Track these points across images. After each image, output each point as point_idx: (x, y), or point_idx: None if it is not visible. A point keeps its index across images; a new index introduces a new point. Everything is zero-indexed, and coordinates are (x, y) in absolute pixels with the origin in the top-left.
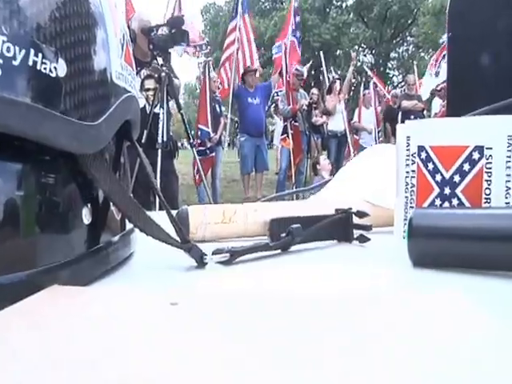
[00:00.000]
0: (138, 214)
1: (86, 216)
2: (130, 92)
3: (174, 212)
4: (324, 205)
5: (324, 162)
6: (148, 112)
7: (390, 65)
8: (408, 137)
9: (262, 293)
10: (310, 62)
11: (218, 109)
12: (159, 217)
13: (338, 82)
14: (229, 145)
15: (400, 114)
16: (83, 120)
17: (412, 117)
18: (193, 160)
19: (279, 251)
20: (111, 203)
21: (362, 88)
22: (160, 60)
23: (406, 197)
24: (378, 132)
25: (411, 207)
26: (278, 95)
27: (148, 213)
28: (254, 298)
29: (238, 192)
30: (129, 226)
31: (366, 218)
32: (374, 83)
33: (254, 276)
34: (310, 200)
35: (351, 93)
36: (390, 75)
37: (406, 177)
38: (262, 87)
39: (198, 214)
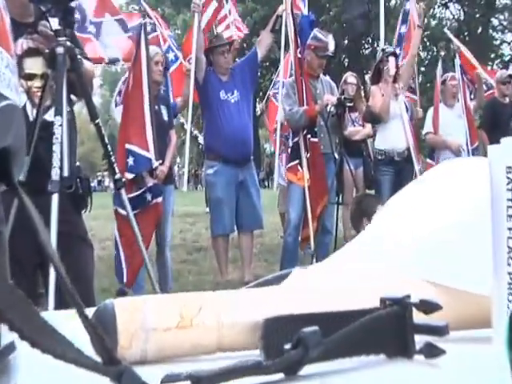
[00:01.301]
0: (26, 316)
1: None
2: (7, 99)
3: (89, 311)
4: (356, 288)
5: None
6: (32, 120)
7: (495, 22)
8: (510, 168)
9: None
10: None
11: (164, 115)
12: (62, 320)
13: (392, 59)
14: (189, 181)
15: None
16: None
17: None
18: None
19: (280, 376)
20: None
21: (438, 70)
22: (54, 22)
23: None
24: (474, 151)
25: None
26: (276, 87)
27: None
28: None
29: (207, 271)
30: (5, 338)
31: (437, 312)
32: (463, 59)
33: None
34: (329, 277)
35: (418, 78)
36: (496, 41)
37: (510, 238)
38: (242, 68)
39: (133, 313)
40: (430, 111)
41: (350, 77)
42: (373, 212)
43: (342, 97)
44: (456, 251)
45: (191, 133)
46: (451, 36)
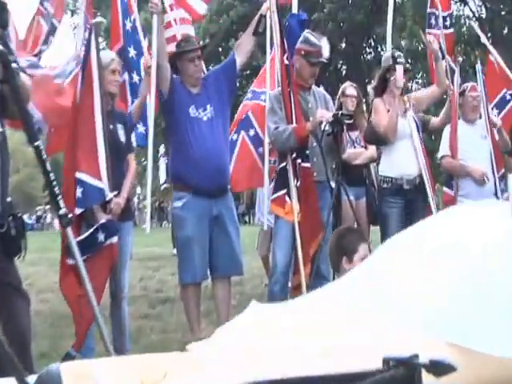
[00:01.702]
0: None
1: None
2: None
3: (30, 379)
4: (355, 345)
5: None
6: None
7: None
8: None
9: None
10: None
11: (121, 135)
12: None
13: (400, 67)
14: (153, 217)
15: None
16: None
17: None
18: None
19: None
20: None
21: (456, 79)
22: None
23: None
24: (500, 180)
25: None
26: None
27: None
28: None
29: (174, 328)
30: None
31: (451, 374)
32: (491, 63)
33: None
34: (322, 327)
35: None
36: None
37: None
38: (217, 77)
39: (83, 379)
40: (446, 130)
41: (349, 88)
42: (354, 250)
43: (340, 112)
44: (472, 307)
45: (156, 155)
46: (480, 33)
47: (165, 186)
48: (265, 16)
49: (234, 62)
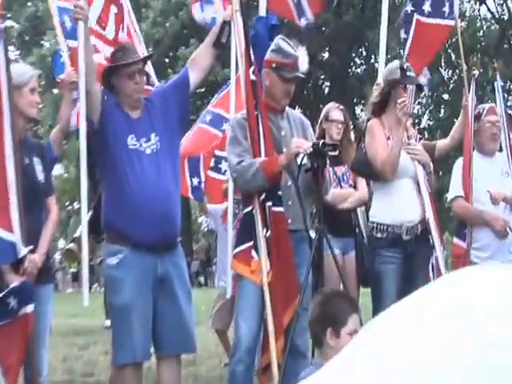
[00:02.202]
0: None
1: None
2: None
3: None
4: None
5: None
6: None
7: None
8: None
9: None
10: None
11: (38, 172)
12: None
13: (411, 87)
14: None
15: None
16: None
17: None
18: None
19: None
20: None
21: (470, 98)
22: None
23: None
24: None
25: None
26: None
27: None
28: None
29: None
30: None
31: None
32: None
33: None
34: None
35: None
36: None
37: None
38: (164, 98)
39: None
40: (458, 164)
41: (334, 110)
42: (343, 322)
43: (321, 142)
44: None
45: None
46: None
47: (70, 246)
48: (229, 23)
49: (187, 80)
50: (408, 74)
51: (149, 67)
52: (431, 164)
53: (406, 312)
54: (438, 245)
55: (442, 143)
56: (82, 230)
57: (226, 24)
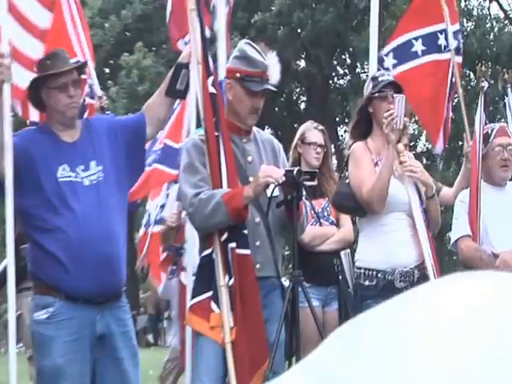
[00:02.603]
0: None
1: None
2: None
3: None
4: None
5: None
6: None
7: None
8: None
9: None
10: None
11: None
12: None
13: (401, 99)
14: None
15: None
16: None
17: None
18: None
19: None
20: None
21: (478, 117)
22: None
23: None
24: None
25: None
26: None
27: None
28: None
29: None
30: None
31: None
32: None
33: None
34: None
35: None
36: None
37: None
38: (112, 127)
39: None
40: (464, 196)
41: (312, 131)
42: None
43: (296, 169)
44: None
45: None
46: None
47: None
48: (187, 66)
49: (143, 128)
50: (381, 78)
51: (92, 77)
52: (433, 185)
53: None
54: None
55: (446, 193)
56: (8, 277)
57: (182, 68)
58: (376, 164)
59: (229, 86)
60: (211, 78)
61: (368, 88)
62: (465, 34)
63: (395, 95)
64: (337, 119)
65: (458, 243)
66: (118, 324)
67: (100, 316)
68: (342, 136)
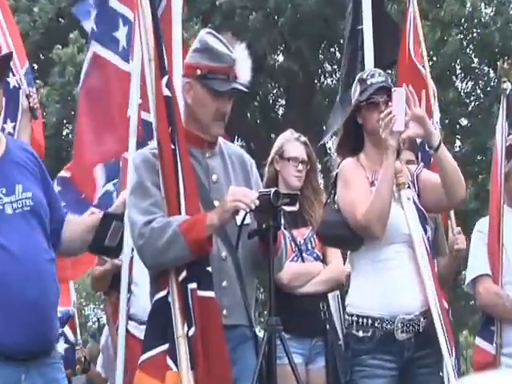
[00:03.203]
0: None
1: None
2: None
3: None
4: None
5: None
6: None
7: None
8: None
9: None
10: None
11: None
12: None
13: (400, 92)
14: None
15: None
16: None
17: None
18: None
19: None
20: None
21: (500, 125)
22: None
23: None
24: None
25: None
26: None
27: None
28: None
29: None
30: None
31: None
32: None
33: None
34: None
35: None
36: None
37: None
38: (34, 163)
39: None
40: (481, 226)
41: (292, 143)
42: None
43: (273, 191)
44: None
45: None
46: None
47: None
48: (121, 218)
49: (62, 223)
50: (370, 81)
51: (20, 76)
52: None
53: None
54: (445, 349)
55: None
56: None
57: (113, 219)
58: (372, 183)
59: (187, 86)
60: (166, 78)
61: (355, 93)
62: (483, 22)
63: (393, 89)
64: (324, 128)
65: (474, 284)
66: (47, 383)
67: (26, 376)
68: (329, 149)
